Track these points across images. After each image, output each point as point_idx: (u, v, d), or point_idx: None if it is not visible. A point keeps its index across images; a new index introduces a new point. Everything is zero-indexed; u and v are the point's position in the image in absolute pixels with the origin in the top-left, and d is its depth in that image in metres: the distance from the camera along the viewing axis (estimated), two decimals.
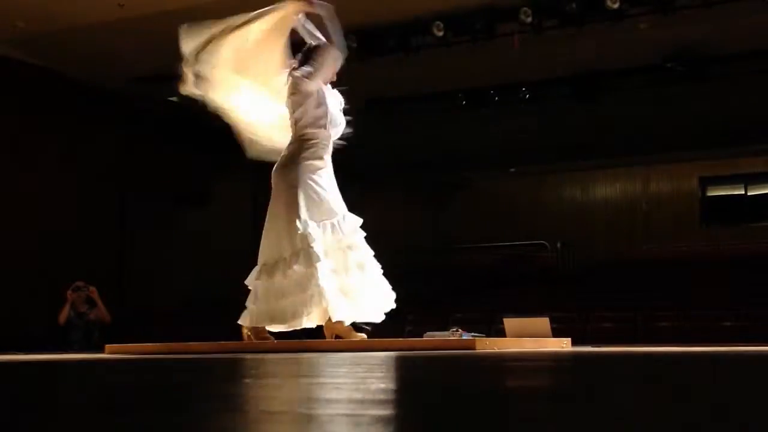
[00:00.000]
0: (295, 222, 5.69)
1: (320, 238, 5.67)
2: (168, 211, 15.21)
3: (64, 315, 9.60)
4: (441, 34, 11.32)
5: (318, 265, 5.58)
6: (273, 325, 5.86)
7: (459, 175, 21.29)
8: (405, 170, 19.48)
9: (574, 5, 10.65)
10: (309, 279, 5.59)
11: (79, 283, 9.74)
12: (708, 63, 12.83)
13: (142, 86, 14.01)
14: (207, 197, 16.06)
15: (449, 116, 14.67)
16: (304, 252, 5.62)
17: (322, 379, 2.67)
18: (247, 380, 2.79)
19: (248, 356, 5.14)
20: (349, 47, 11.69)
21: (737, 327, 10.63)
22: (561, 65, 13.15)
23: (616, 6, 10.46)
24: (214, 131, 17.81)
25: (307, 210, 5.72)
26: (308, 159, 5.83)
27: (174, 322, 12.45)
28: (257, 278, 5.87)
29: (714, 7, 10.42)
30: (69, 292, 9.67)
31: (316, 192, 5.78)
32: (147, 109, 14.82)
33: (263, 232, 5.98)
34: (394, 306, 5.97)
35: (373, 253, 5.96)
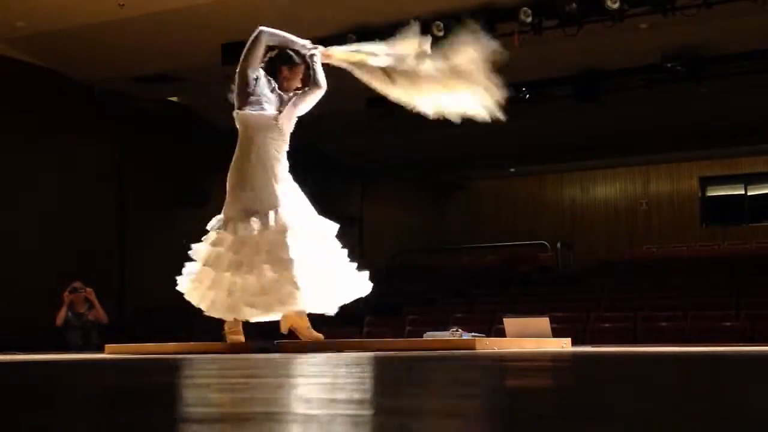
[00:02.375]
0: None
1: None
2: (168, 211, 15.21)
3: (61, 317, 9.52)
4: (441, 34, 11.32)
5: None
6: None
7: (459, 175, 21.29)
8: (405, 170, 19.48)
9: (574, 5, 10.65)
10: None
11: (77, 284, 9.68)
12: (708, 63, 12.82)
13: (142, 86, 14.01)
14: (207, 197, 16.06)
15: None
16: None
17: (321, 380, 2.67)
18: (246, 380, 2.79)
19: (247, 356, 5.14)
20: None
21: (737, 327, 10.62)
22: (561, 65, 13.14)
23: (616, 6, 10.45)
24: (214, 131, 17.86)
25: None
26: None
27: (174, 321, 12.45)
28: None
29: (714, 7, 10.41)
30: (66, 293, 9.60)
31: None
32: (147, 109, 14.83)
33: None
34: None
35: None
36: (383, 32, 11.84)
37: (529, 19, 10.87)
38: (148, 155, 14.96)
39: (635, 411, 1.59)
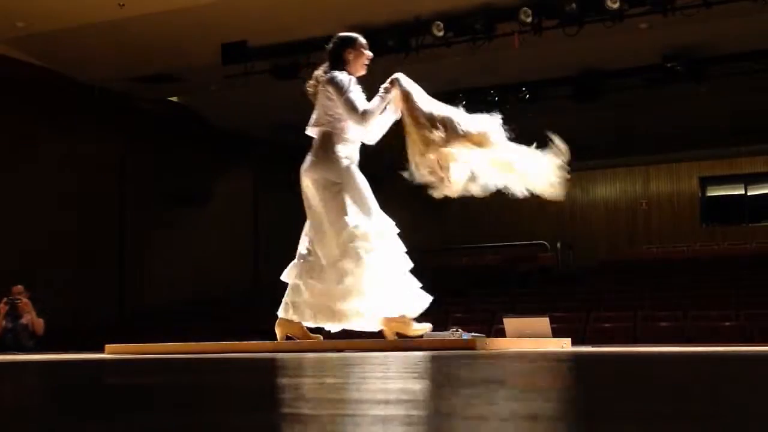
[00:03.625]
0: (342, 220, 5.65)
1: (370, 228, 5.70)
2: (168, 211, 15.22)
3: None
4: (441, 34, 11.33)
5: (367, 261, 5.64)
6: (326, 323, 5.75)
7: None
8: (405, 170, 19.45)
9: (574, 5, 10.66)
10: (359, 280, 5.63)
11: (17, 289, 9.36)
12: (708, 63, 12.83)
13: (142, 86, 14.02)
14: (207, 197, 16.06)
15: None
16: (352, 250, 5.66)
17: (322, 380, 2.67)
18: (247, 381, 2.79)
19: (248, 356, 5.14)
20: None
21: (737, 327, 10.62)
22: (561, 65, 13.15)
23: (616, 6, 10.46)
24: (214, 131, 17.80)
25: (354, 204, 5.78)
26: (344, 154, 5.85)
27: (174, 321, 12.45)
28: (309, 277, 5.76)
29: (714, 7, 10.42)
30: (2, 303, 9.29)
31: (358, 186, 5.87)
32: (147, 109, 14.83)
33: (314, 234, 5.81)
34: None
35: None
36: (384, 32, 11.86)
37: (529, 19, 10.88)
38: (148, 155, 14.96)
39: (635, 411, 1.59)
